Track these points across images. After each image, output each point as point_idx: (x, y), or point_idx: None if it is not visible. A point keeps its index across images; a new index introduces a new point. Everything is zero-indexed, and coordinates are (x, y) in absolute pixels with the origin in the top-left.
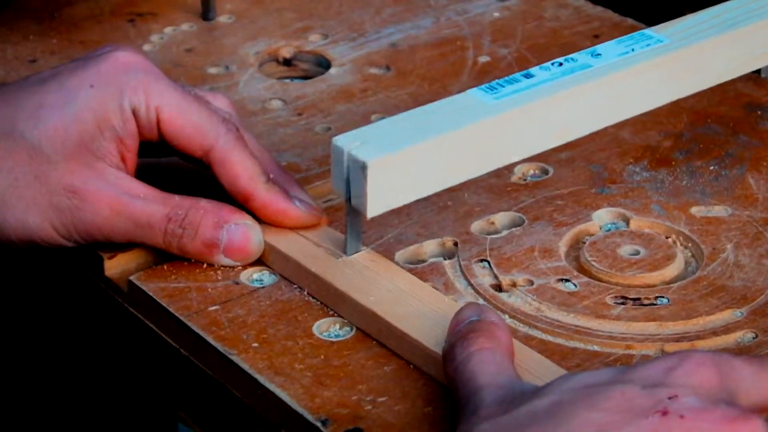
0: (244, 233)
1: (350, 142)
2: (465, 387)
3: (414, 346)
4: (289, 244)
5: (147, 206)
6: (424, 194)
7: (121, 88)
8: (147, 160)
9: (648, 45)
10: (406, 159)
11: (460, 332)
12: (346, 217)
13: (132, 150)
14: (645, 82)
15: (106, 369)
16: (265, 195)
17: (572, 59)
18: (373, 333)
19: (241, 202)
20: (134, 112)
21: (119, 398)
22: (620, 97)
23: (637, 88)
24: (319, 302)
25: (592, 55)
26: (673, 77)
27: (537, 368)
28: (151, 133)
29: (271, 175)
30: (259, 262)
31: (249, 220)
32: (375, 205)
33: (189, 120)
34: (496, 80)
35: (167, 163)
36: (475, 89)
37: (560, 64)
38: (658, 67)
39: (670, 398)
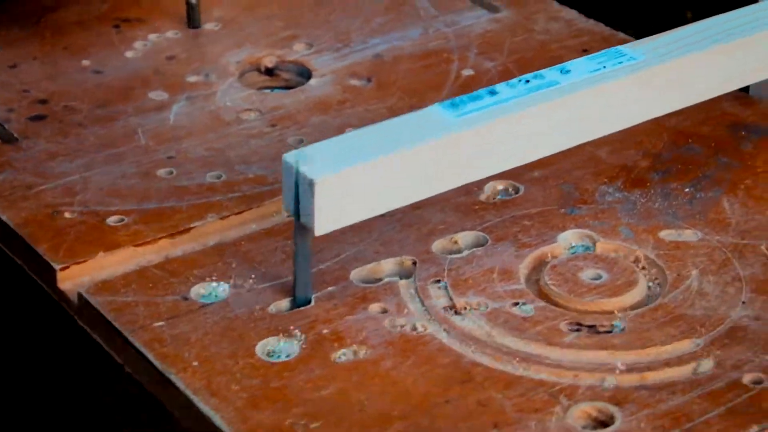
0: None
1: (300, 159)
2: None
3: None
4: None
5: None
6: (377, 212)
7: None
8: None
9: (620, 62)
10: (356, 176)
11: None
12: (294, 237)
13: None
14: (615, 100)
15: (55, 383)
16: None
17: (540, 76)
18: None
19: None
20: None
21: (66, 414)
22: (589, 115)
23: (607, 106)
24: (267, 321)
25: (561, 72)
26: (646, 95)
27: None
28: None
29: None
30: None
31: None
32: (324, 223)
33: None
34: (460, 96)
35: None
36: (437, 105)
37: (527, 81)
38: (628, 85)
39: None
